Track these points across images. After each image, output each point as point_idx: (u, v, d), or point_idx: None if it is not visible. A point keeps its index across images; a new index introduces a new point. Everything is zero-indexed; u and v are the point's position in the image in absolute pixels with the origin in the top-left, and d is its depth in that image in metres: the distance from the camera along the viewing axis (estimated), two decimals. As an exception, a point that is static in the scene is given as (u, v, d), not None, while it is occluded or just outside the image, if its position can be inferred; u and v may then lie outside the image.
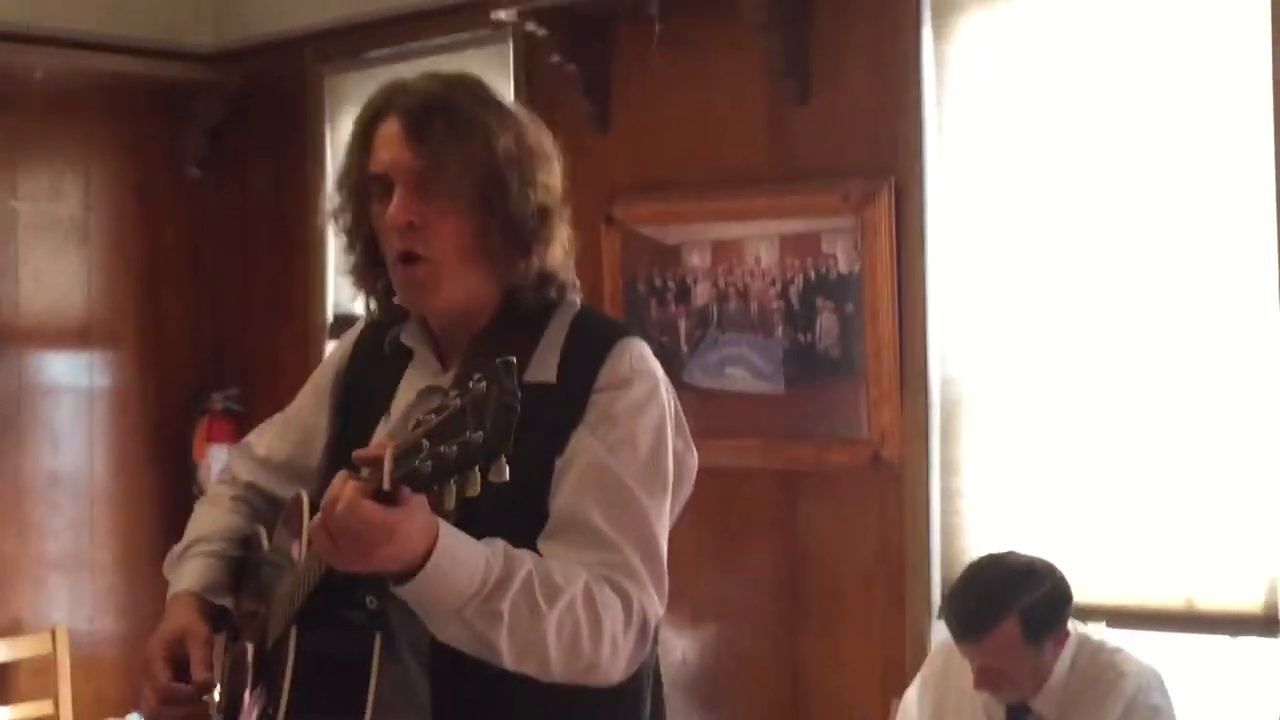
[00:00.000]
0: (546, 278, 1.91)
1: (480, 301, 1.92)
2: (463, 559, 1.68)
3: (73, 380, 4.81)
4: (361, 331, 2.11)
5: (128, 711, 4.43)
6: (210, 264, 5.02)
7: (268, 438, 2.16)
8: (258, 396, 4.80)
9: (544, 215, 1.90)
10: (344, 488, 1.62)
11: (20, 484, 4.70)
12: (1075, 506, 3.31)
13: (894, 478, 3.55)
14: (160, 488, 4.87)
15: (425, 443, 1.53)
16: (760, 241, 3.75)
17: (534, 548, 1.79)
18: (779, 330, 3.72)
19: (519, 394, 1.50)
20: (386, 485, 1.58)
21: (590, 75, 4.02)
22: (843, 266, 3.61)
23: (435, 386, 1.91)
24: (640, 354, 1.91)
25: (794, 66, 3.67)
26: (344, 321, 4.60)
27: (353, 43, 4.62)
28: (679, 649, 3.84)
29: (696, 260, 3.86)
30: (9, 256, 4.68)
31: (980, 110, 3.45)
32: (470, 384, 1.52)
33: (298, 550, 1.89)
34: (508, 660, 1.74)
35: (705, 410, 3.67)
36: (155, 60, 4.77)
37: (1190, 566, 3.15)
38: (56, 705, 4.50)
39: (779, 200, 3.72)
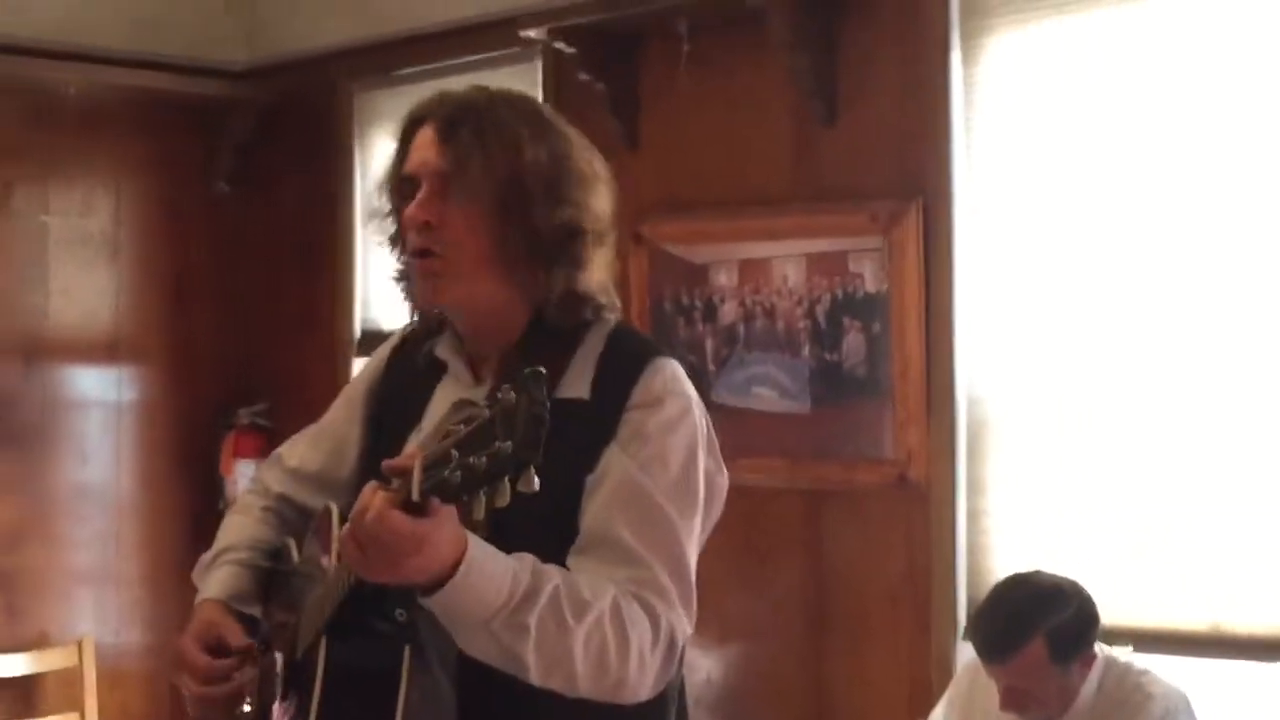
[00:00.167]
0: (576, 298, 1.90)
1: (505, 313, 1.92)
2: (491, 571, 1.68)
3: (101, 394, 4.83)
4: (396, 345, 2.12)
5: (153, 724, 4.46)
6: (238, 279, 5.04)
7: (300, 449, 2.17)
8: (285, 411, 4.81)
9: (573, 233, 1.89)
10: (373, 498, 1.63)
11: (48, 497, 4.72)
12: (1102, 528, 3.30)
13: (920, 497, 3.54)
14: (187, 502, 4.89)
15: (454, 453, 1.53)
16: (787, 261, 3.75)
17: (564, 564, 1.79)
18: (805, 350, 3.72)
19: (548, 404, 1.51)
20: (415, 496, 1.58)
21: (618, 94, 4.02)
22: (870, 286, 3.61)
23: (468, 399, 1.91)
24: (674, 374, 1.91)
25: (821, 87, 3.67)
26: (372, 337, 4.61)
27: (382, 61, 4.63)
28: (704, 668, 3.83)
29: (724, 279, 3.86)
30: (40, 271, 4.71)
31: (1008, 131, 3.45)
32: (499, 394, 1.52)
33: (327, 561, 1.89)
34: (534, 675, 1.74)
35: (731, 429, 3.64)
36: (186, 77, 4.81)
37: (1218, 589, 3.13)
38: (83, 717, 4.53)
39: (806, 220, 3.72)
